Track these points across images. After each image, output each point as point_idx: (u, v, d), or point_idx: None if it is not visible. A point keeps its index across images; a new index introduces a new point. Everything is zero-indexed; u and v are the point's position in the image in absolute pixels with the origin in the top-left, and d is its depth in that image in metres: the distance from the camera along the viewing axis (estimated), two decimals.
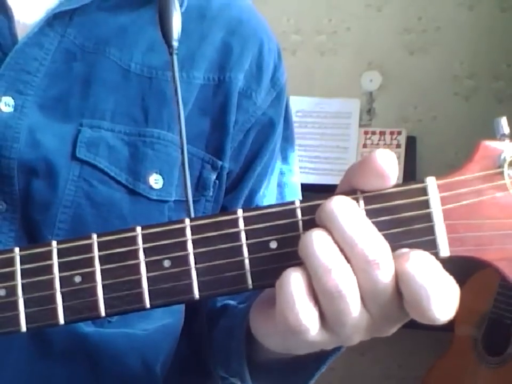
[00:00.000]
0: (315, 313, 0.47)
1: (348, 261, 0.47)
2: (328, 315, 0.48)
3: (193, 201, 0.72)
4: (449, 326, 2.09)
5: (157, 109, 0.72)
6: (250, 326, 0.56)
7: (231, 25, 0.77)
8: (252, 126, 0.77)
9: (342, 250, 0.47)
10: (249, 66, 0.77)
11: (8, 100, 0.67)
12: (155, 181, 0.70)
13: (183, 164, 0.65)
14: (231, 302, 0.74)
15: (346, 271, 0.46)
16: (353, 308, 0.47)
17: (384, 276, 0.46)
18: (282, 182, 0.82)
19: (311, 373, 0.64)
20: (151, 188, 0.70)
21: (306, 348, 0.52)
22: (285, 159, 0.82)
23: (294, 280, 0.47)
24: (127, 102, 0.71)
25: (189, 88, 0.73)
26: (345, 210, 0.47)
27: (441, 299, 0.45)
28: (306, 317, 0.47)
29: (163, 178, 0.71)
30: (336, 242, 0.47)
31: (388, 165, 0.47)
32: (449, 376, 2.12)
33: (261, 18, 0.81)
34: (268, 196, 0.79)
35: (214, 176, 0.75)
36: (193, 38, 0.74)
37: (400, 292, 0.47)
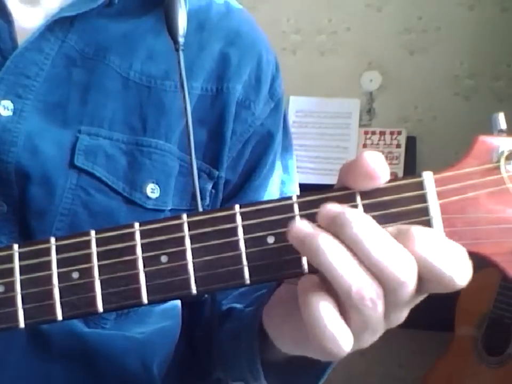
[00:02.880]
0: (350, 333, 0.46)
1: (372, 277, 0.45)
2: (353, 325, 0.47)
3: (190, 210, 0.73)
4: (449, 326, 2.10)
5: (155, 119, 0.72)
6: (266, 329, 0.56)
7: (230, 36, 0.77)
8: (250, 136, 0.77)
9: (366, 268, 0.45)
10: (247, 77, 0.77)
11: (7, 103, 0.67)
12: (151, 190, 0.71)
13: (191, 165, 0.65)
14: (237, 306, 0.73)
15: (374, 284, 0.45)
16: (380, 315, 0.46)
17: (412, 291, 0.45)
18: (284, 192, 0.82)
19: (321, 372, 0.63)
20: (147, 197, 0.71)
21: None
22: (285, 168, 0.83)
23: (324, 308, 0.46)
24: (125, 110, 0.71)
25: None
26: (370, 231, 0.45)
27: (457, 264, 0.45)
28: (345, 341, 0.46)
29: (159, 188, 0.71)
30: (354, 255, 0.45)
31: (377, 166, 0.47)
32: (449, 376, 2.12)
33: (259, 30, 0.82)
34: None
35: (210, 186, 0.76)
36: (192, 48, 0.74)
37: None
